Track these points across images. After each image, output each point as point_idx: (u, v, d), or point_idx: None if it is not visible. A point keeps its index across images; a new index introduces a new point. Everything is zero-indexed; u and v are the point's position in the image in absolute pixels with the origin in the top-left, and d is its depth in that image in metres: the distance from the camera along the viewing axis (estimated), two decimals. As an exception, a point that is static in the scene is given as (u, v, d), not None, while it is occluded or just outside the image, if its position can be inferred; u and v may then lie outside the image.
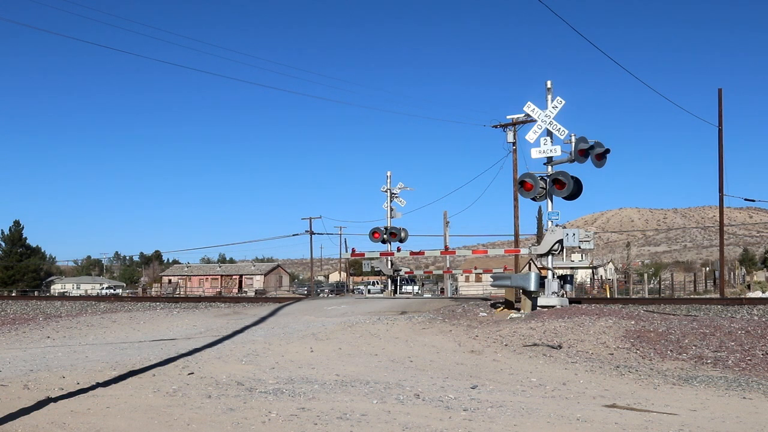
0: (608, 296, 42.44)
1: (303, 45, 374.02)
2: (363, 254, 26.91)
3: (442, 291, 55.47)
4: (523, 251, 22.35)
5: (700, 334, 11.76)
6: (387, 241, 27.48)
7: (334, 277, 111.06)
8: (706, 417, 6.54)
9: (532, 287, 16.44)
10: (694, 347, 10.98)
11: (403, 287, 40.15)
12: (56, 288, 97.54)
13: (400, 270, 28.66)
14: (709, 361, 10.24)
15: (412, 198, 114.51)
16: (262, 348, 11.13)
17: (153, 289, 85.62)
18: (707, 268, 75.77)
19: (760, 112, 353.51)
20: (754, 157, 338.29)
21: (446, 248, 41.91)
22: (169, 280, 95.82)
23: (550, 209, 17.91)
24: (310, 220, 69.10)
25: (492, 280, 19.06)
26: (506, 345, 11.76)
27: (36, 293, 78.03)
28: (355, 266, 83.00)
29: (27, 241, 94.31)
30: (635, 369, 9.72)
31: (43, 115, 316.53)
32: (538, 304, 16.87)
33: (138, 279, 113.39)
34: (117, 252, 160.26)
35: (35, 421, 6.04)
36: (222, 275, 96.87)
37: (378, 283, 54.52)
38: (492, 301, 19.42)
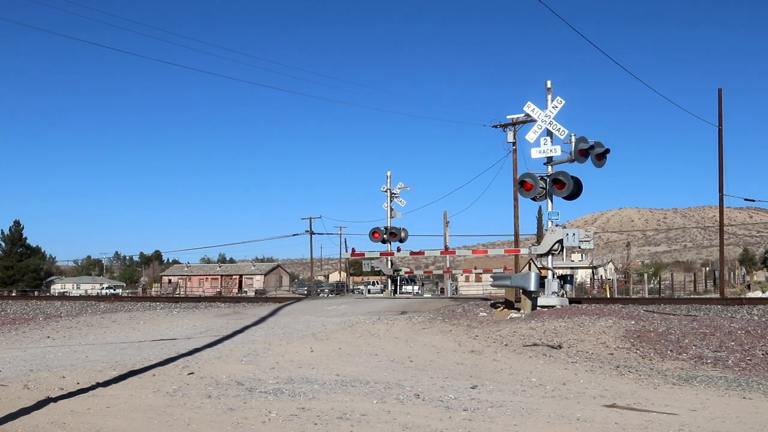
0: (608, 296, 42.43)
1: (303, 45, 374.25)
2: (363, 254, 26.90)
3: (442, 291, 55.44)
4: (523, 251, 22.35)
5: (700, 334, 11.76)
6: (387, 241, 27.47)
7: (334, 277, 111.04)
8: (706, 417, 6.54)
9: (532, 287, 16.44)
10: (694, 347, 10.98)
11: (403, 287, 40.14)
12: (56, 288, 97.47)
13: (400, 270, 28.66)
14: (709, 361, 10.24)
15: (412, 198, 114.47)
16: (262, 348, 11.13)
17: (153, 289, 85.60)
18: (707, 268, 75.77)
19: (760, 112, 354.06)
20: (754, 157, 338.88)
21: (446, 248, 41.91)
22: (169, 280, 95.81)
23: (550, 209, 17.91)
24: (310, 220, 69.16)
25: (492, 280, 19.06)
26: (506, 345, 11.76)
27: (36, 293, 77.98)
28: (355, 266, 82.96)
29: (27, 241, 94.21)
30: (635, 369, 9.72)
31: (43, 115, 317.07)
32: (538, 304, 16.87)
33: (138, 279, 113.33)
34: (117, 252, 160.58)
35: (35, 421, 6.04)
36: (222, 275, 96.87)
37: (378, 283, 54.50)
38: (492, 301, 19.43)
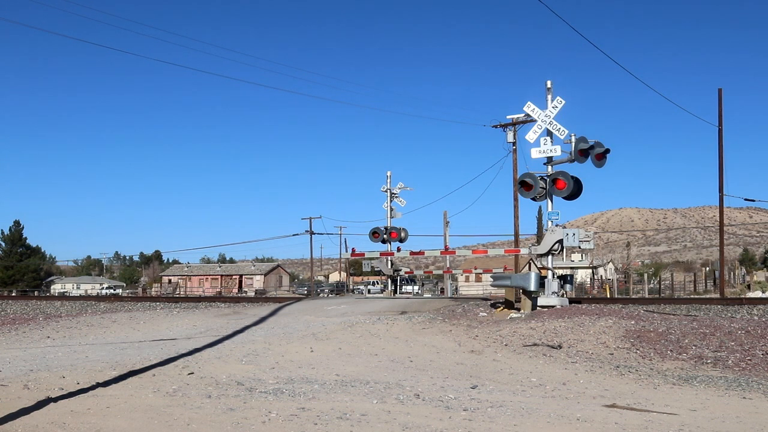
0: (608, 296, 42.43)
1: (302, 45, 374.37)
2: (363, 254, 26.91)
3: (442, 291, 55.43)
4: (523, 251, 22.35)
5: (700, 334, 11.76)
6: (387, 241, 27.48)
7: (334, 277, 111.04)
8: (706, 417, 6.54)
9: (532, 287, 16.44)
10: (694, 347, 10.98)
11: (403, 287, 40.15)
12: (56, 288, 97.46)
13: (400, 270, 28.66)
14: (709, 361, 10.24)
15: (412, 198, 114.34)
16: (262, 348, 11.13)
17: (153, 289, 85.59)
18: (707, 268, 75.76)
19: (760, 112, 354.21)
20: (754, 157, 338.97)
21: (446, 248, 41.90)
22: (169, 280, 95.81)
23: (550, 209, 17.91)
24: (310, 220, 69.14)
25: (492, 280, 19.06)
26: (506, 345, 11.76)
27: (36, 293, 77.96)
28: (355, 266, 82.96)
29: (27, 241, 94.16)
30: (635, 369, 9.72)
31: (43, 115, 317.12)
32: (538, 304, 16.87)
33: (138, 279, 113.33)
34: (117, 252, 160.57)
35: (35, 421, 6.04)
36: (222, 275, 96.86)
37: (378, 283, 54.50)
38: (492, 301, 19.43)
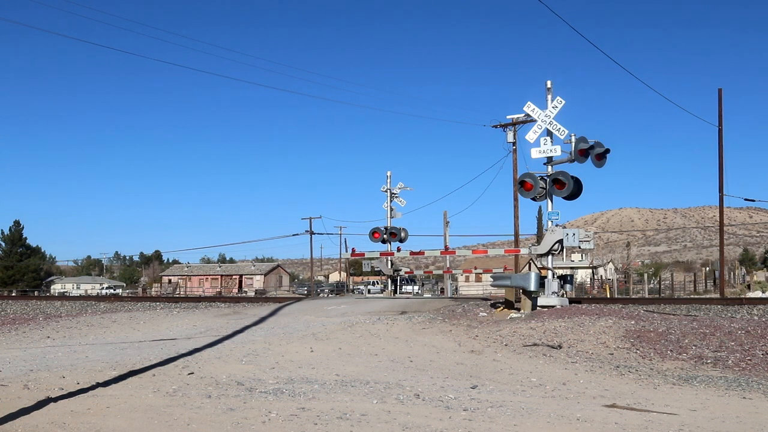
0: (608, 296, 42.42)
1: (303, 45, 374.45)
2: (363, 254, 26.91)
3: (442, 291, 55.44)
4: (523, 251, 22.33)
5: (700, 334, 11.76)
6: (387, 241, 27.46)
7: (334, 277, 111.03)
8: (706, 417, 6.54)
9: (532, 287, 16.44)
10: (694, 347, 10.98)
11: (403, 287, 40.12)
12: (56, 288, 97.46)
13: (400, 270, 28.65)
14: (709, 361, 10.24)
15: (412, 198, 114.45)
16: (262, 348, 11.13)
17: (153, 289, 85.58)
18: (707, 268, 75.76)
19: (760, 112, 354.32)
20: (754, 157, 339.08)
21: (446, 248, 41.89)
22: (169, 280, 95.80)
23: (550, 209, 17.91)
24: (310, 220, 69.16)
25: (492, 280, 19.06)
26: (506, 345, 11.76)
27: (36, 293, 77.95)
28: (355, 266, 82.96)
29: (27, 241, 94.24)
30: (635, 369, 9.72)
31: (43, 115, 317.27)
32: (538, 304, 16.87)
33: (138, 279, 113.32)
34: (117, 252, 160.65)
35: (35, 421, 6.04)
36: (222, 275, 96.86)
37: (378, 283, 54.49)
38: (492, 301, 19.43)
